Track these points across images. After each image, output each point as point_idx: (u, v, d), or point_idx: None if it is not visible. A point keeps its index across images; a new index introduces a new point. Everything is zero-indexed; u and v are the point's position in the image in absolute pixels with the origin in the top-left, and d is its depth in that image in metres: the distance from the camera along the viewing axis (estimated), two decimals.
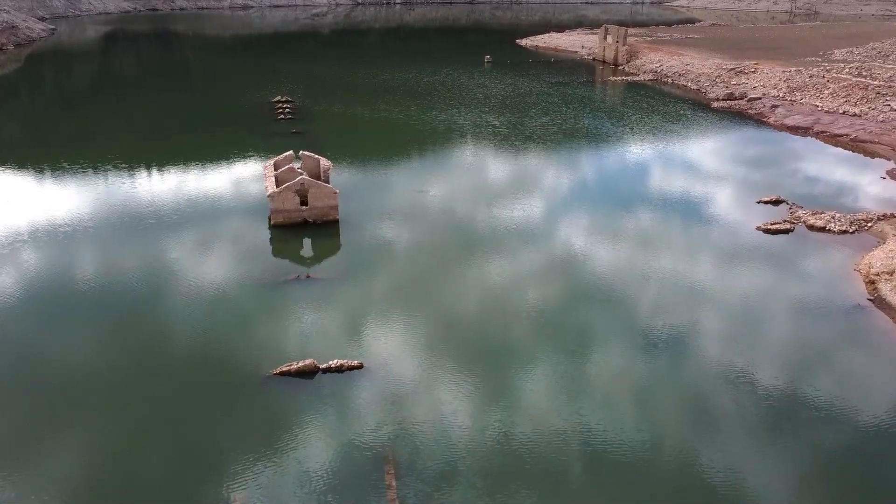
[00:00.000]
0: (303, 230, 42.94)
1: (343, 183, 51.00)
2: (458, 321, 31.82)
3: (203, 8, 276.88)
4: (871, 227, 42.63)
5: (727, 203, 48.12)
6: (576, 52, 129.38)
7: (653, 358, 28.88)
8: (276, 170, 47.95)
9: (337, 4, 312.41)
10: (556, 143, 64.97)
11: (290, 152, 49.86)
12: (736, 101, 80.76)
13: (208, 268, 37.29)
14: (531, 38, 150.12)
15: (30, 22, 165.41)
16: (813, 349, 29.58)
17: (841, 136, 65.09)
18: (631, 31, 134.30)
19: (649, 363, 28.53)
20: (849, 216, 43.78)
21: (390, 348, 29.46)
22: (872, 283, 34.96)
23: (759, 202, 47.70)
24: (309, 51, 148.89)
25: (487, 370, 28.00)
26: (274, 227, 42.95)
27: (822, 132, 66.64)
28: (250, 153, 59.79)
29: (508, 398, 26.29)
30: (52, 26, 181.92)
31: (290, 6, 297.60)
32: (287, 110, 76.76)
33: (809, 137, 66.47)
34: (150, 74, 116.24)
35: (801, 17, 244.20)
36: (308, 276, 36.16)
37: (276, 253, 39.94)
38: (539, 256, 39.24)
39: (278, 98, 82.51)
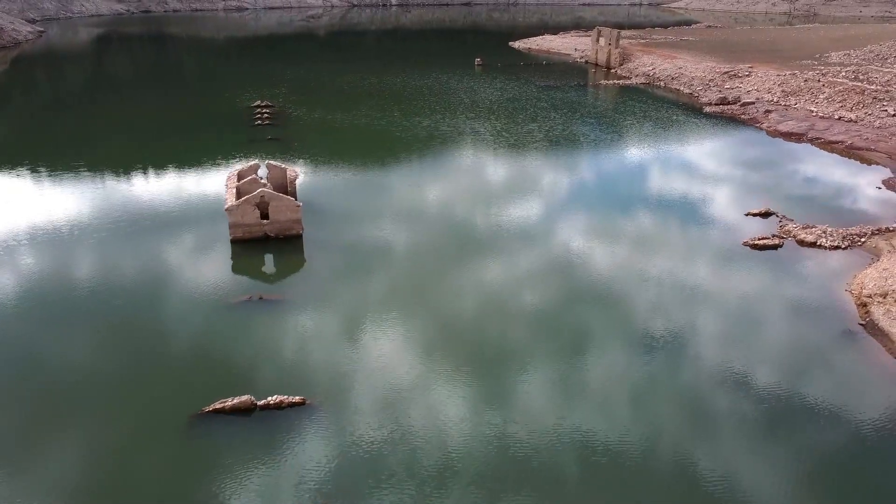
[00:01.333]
0: (263, 246, 40.59)
1: (312, 194, 48.75)
2: (420, 352, 29.38)
3: (197, 10, 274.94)
4: (864, 242, 40.22)
5: (715, 215, 45.72)
6: (569, 54, 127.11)
7: (632, 385, 26.50)
8: (239, 180, 45.63)
9: (332, 6, 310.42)
10: (541, 151, 62.58)
11: (256, 162, 47.55)
12: (729, 106, 78.40)
13: (154, 287, 34.94)
14: (524, 40, 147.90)
15: (17, 24, 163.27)
16: (796, 382, 27.15)
17: (836, 142, 62.69)
18: (625, 33, 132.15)
19: (630, 390, 26.15)
20: (841, 230, 41.37)
21: (338, 382, 27.05)
22: (864, 305, 32.56)
23: (747, 214, 45.30)
24: (300, 54, 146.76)
25: (448, 411, 25.62)
26: (233, 243, 40.58)
27: (817, 139, 64.26)
28: (219, 161, 57.44)
29: (476, 438, 23.91)
30: (41, 28, 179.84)
31: (284, 8, 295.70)
32: (266, 115, 74.46)
33: (804, 144, 64.08)
34: (134, 78, 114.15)
35: (799, 18, 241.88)
36: (261, 298, 33.78)
37: (231, 270, 37.58)
38: (513, 273, 36.88)
39: (258, 103, 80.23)
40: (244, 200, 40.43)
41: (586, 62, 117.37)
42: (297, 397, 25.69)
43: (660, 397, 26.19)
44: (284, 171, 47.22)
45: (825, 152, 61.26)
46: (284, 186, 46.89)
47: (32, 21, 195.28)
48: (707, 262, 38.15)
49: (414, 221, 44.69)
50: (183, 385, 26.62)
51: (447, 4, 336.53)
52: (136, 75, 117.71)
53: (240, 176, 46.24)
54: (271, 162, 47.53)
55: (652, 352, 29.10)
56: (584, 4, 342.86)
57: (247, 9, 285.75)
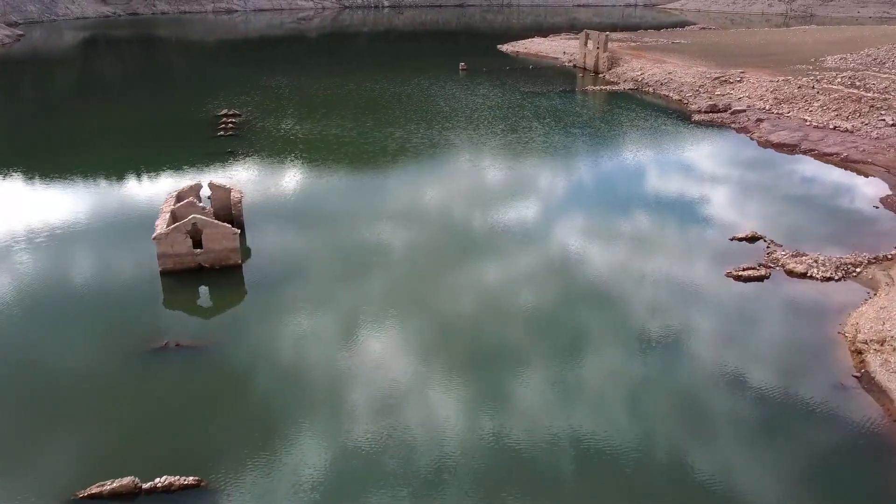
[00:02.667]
0: (196, 278, 36.71)
1: (262, 216, 44.95)
2: (367, 432, 25.19)
3: (185, 12, 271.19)
4: (860, 273, 36.38)
5: (697, 240, 41.84)
6: (557, 58, 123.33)
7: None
8: (179, 202, 41.77)
9: (323, 8, 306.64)
10: (518, 164, 58.66)
11: (198, 182, 43.61)
12: (719, 114, 74.57)
13: (53, 327, 31.04)
14: (512, 43, 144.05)
15: None
16: (776, 454, 23.26)
17: (831, 154, 58.88)
18: (615, 35, 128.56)
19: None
20: (835, 259, 37.51)
21: (247, 460, 23.09)
22: (860, 353, 28.72)
23: (732, 239, 41.42)
24: (284, 58, 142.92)
25: (387, 482, 21.74)
26: (163, 274, 36.69)
27: (811, 150, 60.43)
28: (166, 177, 53.51)
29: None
30: (21, 32, 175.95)
31: (275, 10, 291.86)
32: (230, 126, 70.58)
33: (796, 156, 60.27)
34: (104, 84, 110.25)
35: (796, 19, 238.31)
36: (178, 345, 29.88)
37: (152, 308, 33.66)
38: (478, 312, 33.00)
39: (225, 112, 76.33)
40: (174, 228, 36.55)
41: (574, 66, 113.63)
42: (191, 478, 21.80)
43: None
44: (228, 191, 43.35)
45: (819, 165, 57.44)
46: (228, 209, 43.05)
47: (14, 24, 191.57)
48: (684, 299, 34.27)
49: (372, 248, 40.79)
50: (58, 461, 22.71)
51: (440, 6, 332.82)
52: (108, 81, 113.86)
53: (179, 197, 42.34)
54: (214, 182, 43.64)
55: (615, 405, 25.23)
56: (579, 5, 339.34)
57: (236, 11, 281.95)
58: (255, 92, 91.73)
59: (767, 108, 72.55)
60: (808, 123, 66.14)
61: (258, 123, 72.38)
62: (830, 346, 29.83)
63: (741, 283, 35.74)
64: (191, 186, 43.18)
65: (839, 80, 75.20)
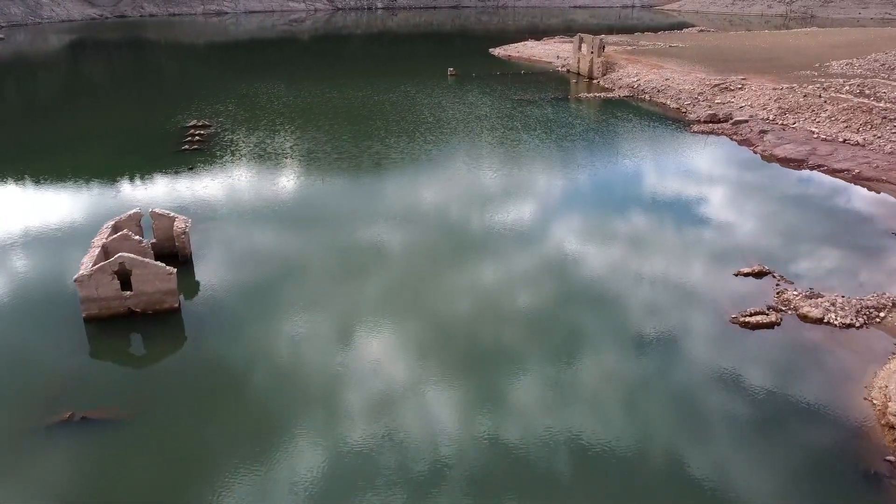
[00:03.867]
0: (125, 326, 32.10)
1: (215, 247, 40.41)
2: None
3: (174, 14, 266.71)
4: (883, 318, 31.80)
5: (697, 276, 37.16)
6: (550, 62, 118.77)
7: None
8: (115, 232, 37.15)
9: (316, 10, 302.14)
10: (505, 186, 53.90)
11: (137, 210, 38.89)
12: (720, 124, 70.02)
13: None
14: (504, 47, 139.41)
15: None
16: None
17: (841, 171, 54.31)
18: (611, 38, 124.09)
19: None
20: (854, 301, 32.90)
21: None
22: (892, 427, 24.09)
23: (737, 274, 36.78)
24: (269, 62, 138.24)
25: None
26: (87, 321, 32.05)
27: (819, 166, 55.86)
28: (113, 199, 48.79)
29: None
30: (1, 36, 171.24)
31: (266, 12, 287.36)
32: (197, 139, 65.96)
33: (804, 171, 55.70)
34: (79, 89, 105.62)
35: (796, 20, 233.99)
36: (84, 417, 25.23)
37: (67, 364, 28.96)
38: (448, 358, 28.39)
39: (194, 123, 71.72)
40: (98, 268, 31.90)
41: (568, 71, 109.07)
42: None
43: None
44: (173, 220, 38.72)
45: (830, 184, 52.85)
46: (171, 241, 38.43)
47: None
48: (681, 352, 29.64)
49: (336, 287, 36.14)
50: None
51: (435, 7, 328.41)
52: (83, 86, 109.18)
53: (115, 228, 37.71)
54: (157, 210, 38.99)
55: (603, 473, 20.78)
56: (575, 7, 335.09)
57: (226, 13, 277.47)
58: (231, 100, 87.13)
59: (771, 118, 67.99)
60: (815, 136, 61.58)
61: (227, 136, 67.71)
62: (855, 416, 25.20)
63: (748, 332, 31.13)
64: (129, 215, 38.50)
65: (847, 88, 70.67)
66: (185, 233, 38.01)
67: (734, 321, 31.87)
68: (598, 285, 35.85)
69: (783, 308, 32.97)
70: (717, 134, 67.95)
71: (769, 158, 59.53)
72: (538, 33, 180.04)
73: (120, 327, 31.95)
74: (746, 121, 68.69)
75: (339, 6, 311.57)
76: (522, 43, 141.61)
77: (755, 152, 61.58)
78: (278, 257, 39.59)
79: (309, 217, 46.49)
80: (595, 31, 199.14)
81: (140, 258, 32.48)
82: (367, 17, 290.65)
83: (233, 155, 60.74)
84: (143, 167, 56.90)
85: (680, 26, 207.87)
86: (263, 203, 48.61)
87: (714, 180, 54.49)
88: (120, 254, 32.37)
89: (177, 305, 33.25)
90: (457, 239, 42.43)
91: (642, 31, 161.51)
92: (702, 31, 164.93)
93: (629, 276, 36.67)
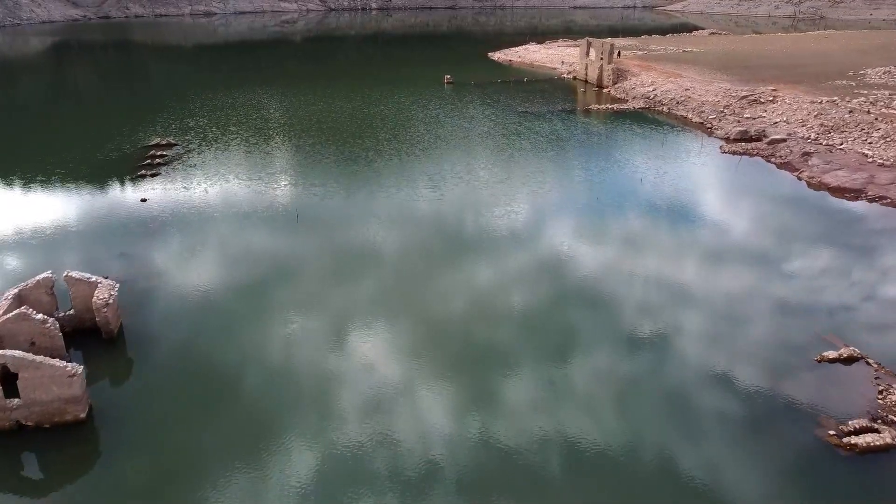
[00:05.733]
0: (11, 446, 23.69)
1: (152, 319, 31.84)
2: None
3: (161, 15, 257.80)
4: None
5: (768, 363, 28.59)
6: (554, 68, 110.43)
7: None
8: (17, 305, 28.76)
9: (308, 11, 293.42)
10: (506, 225, 45.52)
11: (48, 274, 30.39)
12: (753, 144, 61.78)
13: None
14: (505, 51, 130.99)
15: None
16: None
17: None
18: (619, 41, 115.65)
19: None
20: None
21: None
22: None
23: (819, 360, 28.45)
24: (256, 67, 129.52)
25: None
26: None
27: (881, 198, 47.67)
28: (34, 251, 40.11)
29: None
30: None
31: (256, 13, 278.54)
32: (158, 162, 57.50)
33: (861, 203, 47.53)
34: (46, 96, 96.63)
35: (805, 22, 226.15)
36: None
37: None
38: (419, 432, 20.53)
39: (157, 141, 63.22)
40: None
41: (574, 79, 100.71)
42: None
43: None
44: (93, 287, 30.27)
45: None
46: (90, 312, 30.00)
47: None
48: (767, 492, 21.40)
49: (296, 379, 27.79)
50: None
51: (431, 7, 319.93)
52: (51, 93, 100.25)
53: (20, 299, 29.30)
54: (73, 274, 30.51)
55: None
56: (575, 7, 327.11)
57: (215, 14, 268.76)
58: (205, 113, 78.56)
59: (813, 137, 59.74)
60: (870, 160, 53.37)
61: (191, 159, 59.06)
62: None
63: (857, 459, 22.83)
64: (38, 281, 30.05)
65: None
66: (107, 305, 29.52)
67: (834, 442, 23.54)
68: (627, 388, 27.50)
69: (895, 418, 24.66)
70: (752, 155, 59.70)
71: (817, 186, 51.31)
72: (537, 34, 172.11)
73: (2, 448, 23.56)
74: (784, 140, 60.42)
75: (332, 7, 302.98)
76: (524, 47, 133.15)
77: (800, 178, 53.35)
78: (240, 332, 31.11)
79: (279, 275, 37.84)
80: (596, 32, 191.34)
81: (29, 357, 23.99)
82: (360, 18, 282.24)
83: (194, 186, 51.84)
84: (83, 201, 48.42)
85: (685, 28, 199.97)
86: (225, 254, 39.92)
87: (755, 214, 46.17)
88: (4, 353, 23.89)
89: (83, 416, 24.83)
90: (474, 309, 34.01)
91: (649, 34, 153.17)
92: (713, 33, 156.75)
93: (683, 369, 28.29)
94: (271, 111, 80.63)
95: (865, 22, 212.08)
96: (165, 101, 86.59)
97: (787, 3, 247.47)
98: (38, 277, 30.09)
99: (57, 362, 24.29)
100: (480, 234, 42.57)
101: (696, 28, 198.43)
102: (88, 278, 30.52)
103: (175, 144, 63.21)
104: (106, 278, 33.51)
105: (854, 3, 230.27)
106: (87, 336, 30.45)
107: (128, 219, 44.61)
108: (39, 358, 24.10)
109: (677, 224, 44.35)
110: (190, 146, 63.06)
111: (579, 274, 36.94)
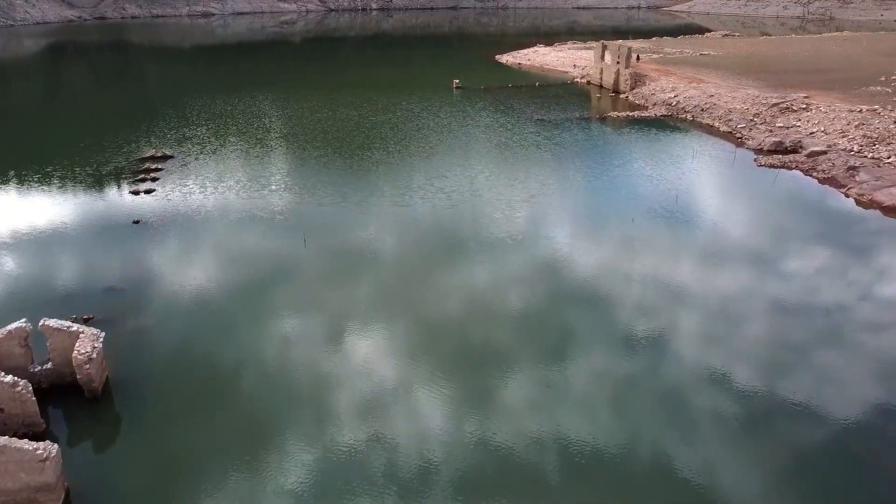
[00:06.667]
0: None
1: (145, 371, 27.66)
2: None
3: (158, 16, 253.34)
4: None
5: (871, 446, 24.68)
6: (566, 72, 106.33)
7: None
8: None
9: (307, 11, 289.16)
10: (544, 255, 41.39)
11: (21, 323, 26.15)
12: (789, 156, 57.71)
13: None
14: (513, 53, 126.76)
15: None
16: None
17: None
18: (630, 44, 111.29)
19: None
20: None
21: None
22: None
23: None
24: (257, 69, 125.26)
25: None
26: None
27: None
28: (7, 296, 35.90)
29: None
30: None
31: (255, 13, 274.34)
32: (152, 177, 53.33)
33: None
34: (37, 102, 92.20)
35: (814, 23, 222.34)
36: None
37: None
38: None
39: (152, 153, 59.02)
40: None
41: (588, 83, 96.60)
42: None
43: None
44: (74, 338, 26.09)
45: None
46: (71, 365, 25.84)
47: None
48: None
49: (337, 455, 23.76)
50: None
51: (432, 8, 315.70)
52: (42, 98, 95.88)
53: None
54: (50, 323, 26.29)
55: None
56: (578, 8, 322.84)
57: (213, 14, 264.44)
58: (202, 121, 74.32)
59: (856, 149, 55.68)
60: None
61: (189, 173, 54.78)
62: None
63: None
64: (10, 332, 25.86)
65: None
66: (90, 360, 25.33)
67: None
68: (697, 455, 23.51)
69: None
70: (789, 168, 55.62)
71: (868, 204, 47.27)
72: (540, 35, 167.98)
73: None
74: (825, 152, 56.34)
75: (332, 7, 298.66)
76: (533, 49, 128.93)
77: (847, 195, 49.29)
78: (247, 387, 26.95)
79: (288, 312, 33.63)
80: (599, 33, 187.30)
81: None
82: (361, 19, 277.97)
83: (192, 206, 47.38)
84: (67, 224, 44.07)
85: (689, 29, 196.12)
86: (227, 289, 35.62)
87: (811, 242, 42.01)
88: None
89: None
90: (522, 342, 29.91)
91: (659, 36, 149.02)
92: (726, 35, 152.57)
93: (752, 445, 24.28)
94: (273, 119, 76.46)
95: (876, 23, 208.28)
96: (161, 108, 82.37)
97: (795, 3, 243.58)
98: (10, 327, 25.87)
99: (25, 444, 20.10)
100: (514, 263, 38.39)
101: (704, 29, 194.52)
102: (69, 327, 26.32)
103: (171, 156, 59.02)
104: (88, 320, 29.57)
105: (864, 4, 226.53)
106: (66, 393, 26.34)
107: (117, 245, 40.36)
108: (3, 440, 19.91)
109: (724, 249, 40.23)
110: (187, 158, 58.84)
111: (627, 310, 32.78)
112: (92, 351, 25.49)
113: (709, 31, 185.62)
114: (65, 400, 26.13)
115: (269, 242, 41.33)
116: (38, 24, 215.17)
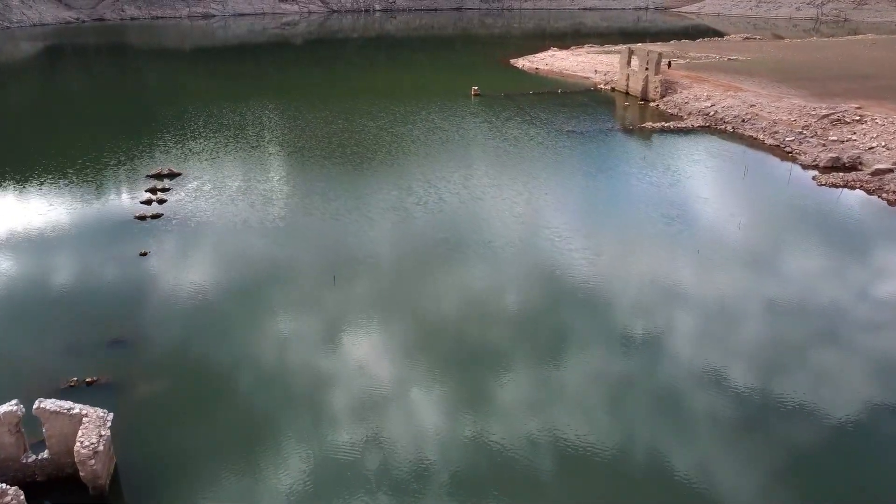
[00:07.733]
0: None
1: (155, 441, 23.03)
2: None
3: (158, 17, 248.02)
4: None
5: None
6: (588, 77, 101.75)
7: None
8: None
9: (310, 13, 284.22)
10: (606, 296, 36.80)
11: (12, 406, 21.35)
12: (850, 173, 53.26)
13: None
14: (529, 58, 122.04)
15: None
16: None
17: None
18: (653, 48, 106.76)
19: None
20: None
21: None
22: None
23: None
24: (260, 73, 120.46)
25: None
26: None
27: None
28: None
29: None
30: None
31: (256, 14, 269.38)
32: (159, 196, 48.69)
33: None
34: (33, 111, 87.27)
35: (828, 24, 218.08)
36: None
37: None
38: None
39: (158, 171, 54.35)
40: None
41: (612, 90, 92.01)
42: None
43: None
44: (76, 422, 21.43)
45: None
46: (72, 453, 21.19)
47: None
48: None
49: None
50: None
51: (435, 9, 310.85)
52: (40, 107, 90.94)
53: None
54: (47, 406, 21.57)
55: None
56: (584, 9, 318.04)
57: (214, 16, 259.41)
58: (209, 133, 69.54)
59: None
60: None
61: (200, 194, 50.03)
62: None
63: None
64: (2, 414, 21.18)
65: None
66: (95, 454, 20.63)
67: None
68: None
69: None
70: (852, 187, 51.16)
71: None
72: (545, 37, 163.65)
73: None
74: (891, 170, 51.88)
75: (335, 8, 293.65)
76: (549, 53, 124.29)
77: None
78: (276, 471, 22.30)
79: (323, 368, 29.00)
80: (606, 35, 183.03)
81: None
82: (364, 21, 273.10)
83: (206, 232, 42.82)
84: (64, 258, 39.24)
85: (697, 30, 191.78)
86: (252, 337, 30.98)
87: (874, 268, 37.57)
88: None
89: None
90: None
91: (679, 39, 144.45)
92: (747, 38, 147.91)
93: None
94: (286, 131, 71.68)
95: (891, 24, 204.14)
96: (164, 117, 77.57)
97: (808, 4, 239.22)
98: (5, 408, 21.18)
99: None
100: (584, 310, 33.78)
101: (715, 30, 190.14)
102: (69, 409, 21.62)
103: (178, 174, 54.32)
104: (92, 383, 24.91)
105: (880, 5, 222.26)
106: (66, 487, 21.75)
107: (122, 284, 35.64)
108: None
109: (798, 285, 35.64)
110: (196, 176, 54.12)
111: (702, 360, 28.17)
112: (98, 442, 20.81)
113: (719, 32, 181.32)
114: (64, 498, 21.52)
115: (296, 278, 36.63)
116: (34, 25, 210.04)
